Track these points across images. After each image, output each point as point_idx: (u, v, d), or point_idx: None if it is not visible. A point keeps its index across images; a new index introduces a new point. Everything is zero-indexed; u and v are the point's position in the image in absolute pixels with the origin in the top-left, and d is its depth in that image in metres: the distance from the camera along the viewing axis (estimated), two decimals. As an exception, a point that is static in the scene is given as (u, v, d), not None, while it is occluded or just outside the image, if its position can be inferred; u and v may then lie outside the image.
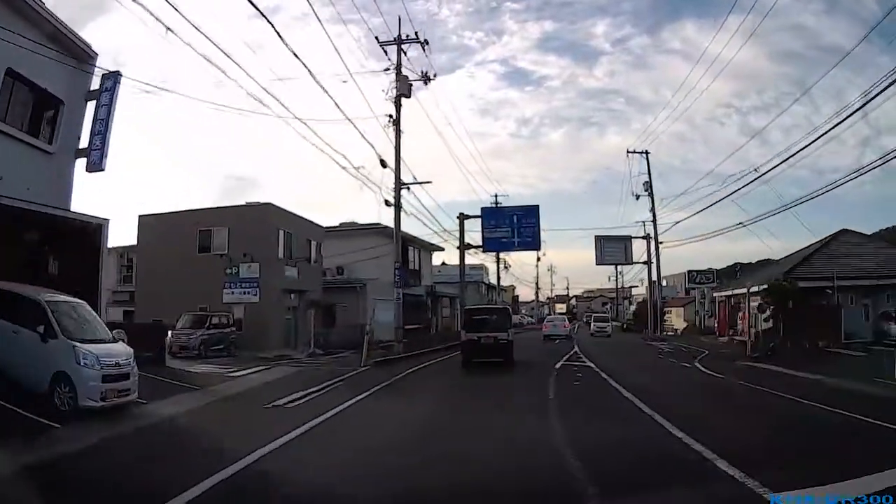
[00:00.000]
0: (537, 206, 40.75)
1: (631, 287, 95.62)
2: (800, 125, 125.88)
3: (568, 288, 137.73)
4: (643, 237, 45.94)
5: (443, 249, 53.35)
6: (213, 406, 12.80)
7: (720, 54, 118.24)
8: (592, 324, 46.36)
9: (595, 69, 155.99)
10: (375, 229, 41.22)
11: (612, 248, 45.66)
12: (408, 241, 44.25)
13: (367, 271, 40.93)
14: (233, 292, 33.63)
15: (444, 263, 67.67)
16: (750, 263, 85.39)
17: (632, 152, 46.55)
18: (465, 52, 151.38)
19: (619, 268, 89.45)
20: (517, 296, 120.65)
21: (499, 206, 44.04)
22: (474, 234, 41.45)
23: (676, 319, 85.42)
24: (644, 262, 45.98)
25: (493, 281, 66.88)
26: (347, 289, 39.82)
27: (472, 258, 49.84)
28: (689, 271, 56.31)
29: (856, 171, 32.42)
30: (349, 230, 43.60)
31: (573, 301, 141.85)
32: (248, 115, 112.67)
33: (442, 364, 24.33)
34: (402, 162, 27.55)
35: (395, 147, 27.68)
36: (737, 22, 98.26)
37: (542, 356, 27.11)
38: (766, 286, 28.61)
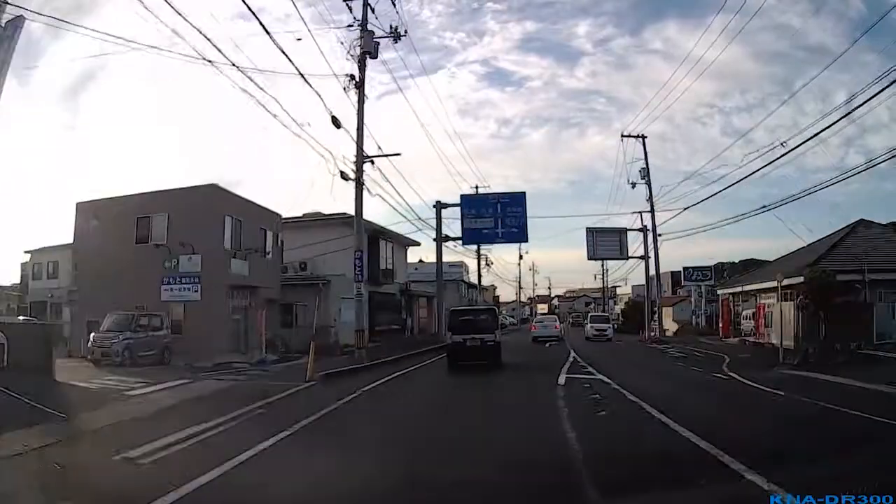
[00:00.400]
0: (523, 193, 36.55)
1: (615, 287, 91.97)
2: (784, 125, 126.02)
3: (550, 288, 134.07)
4: (639, 229, 41.68)
5: (419, 244, 48.80)
6: (31, 458, 7.91)
7: (702, 55, 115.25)
8: (589, 325, 41.02)
9: (576, 70, 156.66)
10: (342, 219, 36.54)
11: (605, 242, 41.17)
12: (379, 234, 39.56)
13: (333, 266, 36.13)
14: (171, 289, 28.86)
15: (421, 261, 63.06)
16: (733, 263, 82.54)
17: (626, 136, 42.22)
18: (447, 52, 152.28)
19: (605, 266, 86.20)
20: (498, 296, 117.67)
21: (480, 193, 39.17)
22: (455, 225, 36.85)
23: (666, 319, 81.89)
24: (640, 257, 41.57)
25: (474, 280, 62.47)
26: (310, 286, 35.00)
27: (450, 254, 45.48)
28: (685, 268, 52.20)
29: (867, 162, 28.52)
30: (313, 221, 38.77)
31: (555, 301, 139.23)
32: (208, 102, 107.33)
33: (413, 375, 19.67)
34: (365, 131, 22.65)
35: (358, 112, 23.01)
36: (719, 21, 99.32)
37: (536, 364, 22.91)
38: (801, 279, 24.12)
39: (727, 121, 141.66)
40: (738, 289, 37.45)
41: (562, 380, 16.32)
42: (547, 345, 33.90)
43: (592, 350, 29.08)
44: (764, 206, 30.02)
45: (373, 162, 23.07)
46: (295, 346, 29.29)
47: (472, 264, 58.46)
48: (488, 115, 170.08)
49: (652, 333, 39.63)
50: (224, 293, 29.01)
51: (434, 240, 37.23)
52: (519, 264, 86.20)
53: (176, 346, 25.77)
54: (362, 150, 22.36)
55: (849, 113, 19.04)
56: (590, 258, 41.56)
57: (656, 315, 42.06)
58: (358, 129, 22.58)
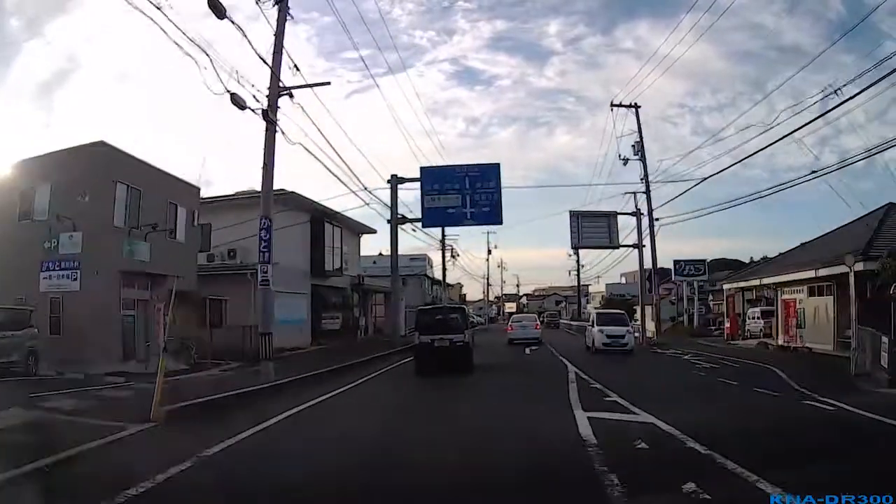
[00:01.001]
0: (497, 166, 30.42)
1: (587, 285, 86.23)
2: (756, 125, 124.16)
3: (518, 286, 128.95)
4: (632, 213, 35.74)
5: (374, 231, 42.26)
6: None
7: (673, 53, 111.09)
8: (595, 329, 26.59)
9: (546, 69, 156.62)
10: (280, 197, 30.07)
11: (591, 228, 35.11)
12: (324, 216, 33.11)
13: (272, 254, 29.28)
14: (50, 276, 22.44)
15: (381, 254, 56.64)
16: (716, 261, 78.10)
17: (617, 105, 36.28)
18: (416, 51, 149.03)
19: (580, 261, 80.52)
20: (465, 294, 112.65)
21: (445, 165, 32.92)
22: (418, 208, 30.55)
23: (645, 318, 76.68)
24: (633, 246, 35.64)
25: (440, 275, 56.46)
26: (237, 276, 28.36)
27: (410, 241, 39.38)
28: (676, 261, 46.41)
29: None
30: (246, 199, 31.95)
31: (524, 300, 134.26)
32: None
33: (338, 404, 13.05)
34: (284, 54, 16.16)
35: (276, 33, 16.40)
36: (691, 21, 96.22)
37: (526, 382, 16.68)
38: (857, 266, 18.44)
39: (698, 120, 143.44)
40: (755, 282, 31.82)
41: (582, 424, 9.29)
42: (527, 350, 27.77)
43: (592, 361, 22.67)
44: (814, 172, 24.33)
45: (291, 95, 16.44)
46: (219, 350, 23.35)
47: (436, 258, 52.32)
48: (457, 113, 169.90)
49: (649, 337, 33.66)
50: (114, 282, 22.53)
51: (388, 221, 30.86)
52: (487, 259, 79.75)
53: (50, 350, 19.75)
54: (278, 78, 15.81)
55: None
56: (574, 247, 35.59)
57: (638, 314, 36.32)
58: (274, 51, 16.06)
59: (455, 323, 19.91)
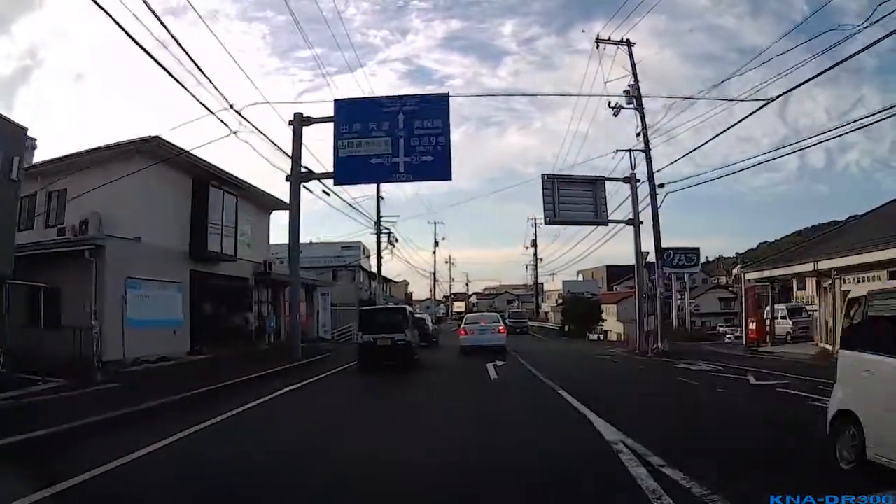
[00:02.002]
0: (445, 98, 20.72)
1: (541, 283, 77.46)
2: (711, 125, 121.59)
3: (468, 284, 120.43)
4: (625, 179, 26.59)
5: (285, 207, 32.14)
6: None
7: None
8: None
9: (499, 69, 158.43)
10: (143, 147, 21.05)
11: (572, 197, 25.72)
12: (213, 179, 23.60)
13: (136, 225, 20.70)
14: None
15: (312, 242, 46.74)
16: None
17: (604, 42, 27.16)
18: (369, 50, 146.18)
19: (538, 254, 71.86)
20: (411, 292, 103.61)
21: (371, 97, 23.10)
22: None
23: (609, 318, 68.38)
24: (628, 221, 26.42)
25: (384, 269, 47.01)
26: (77, 256, 18.40)
27: (345, 226, 29.79)
28: (665, 249, 37.41)
29: None
30: (103, 154, 22.30)
31: (473, 298, 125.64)
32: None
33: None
34: None
35: None
36: (648, 22, 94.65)
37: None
38: None
39: (652, 119, 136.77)
40: (805, 266, 23.09)
41: None
42: (493, 367, 17.30)
43: (601, 382, 13.47)
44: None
45: None
46: (48, 361, 14.80)
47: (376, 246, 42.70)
48: None
49: (656, 346, 24.19)
50: None
51: (287, 178, 21.14)
52: (434, 252, 70.23)
53: None
54: None
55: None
56: (548, 222, 26.09)
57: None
58: None
59: (397, 322, 20.04)
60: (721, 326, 63.63)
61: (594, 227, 27.87)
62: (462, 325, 25.71)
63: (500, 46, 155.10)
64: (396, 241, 39.38)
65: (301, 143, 21.44)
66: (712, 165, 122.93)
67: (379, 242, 39.14)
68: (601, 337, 64.47)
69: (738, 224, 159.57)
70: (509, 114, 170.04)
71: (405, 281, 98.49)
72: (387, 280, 65.71)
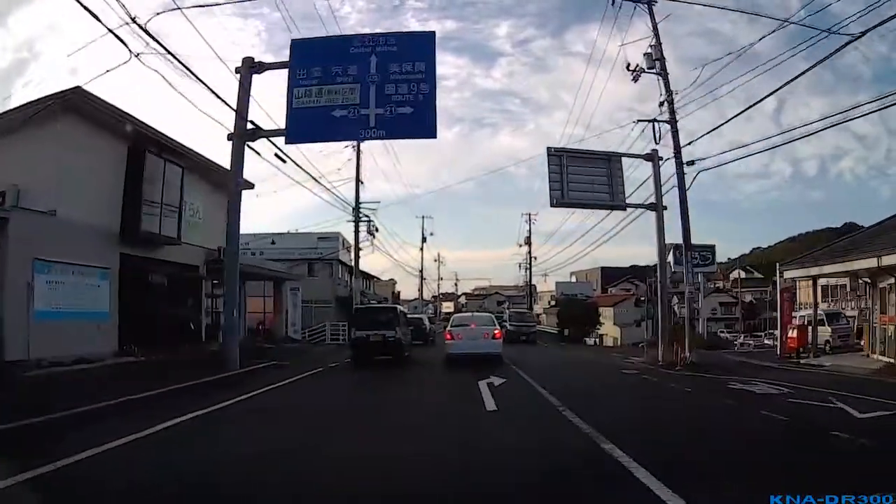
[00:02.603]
0: (431, 37, 15.95)
1: (533, 285, 72.97)
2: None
3: (457, 283, 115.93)
4: (645, 156, 22.04)
5: (252, 186, 27.57)
6: None
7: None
8: None
9: (493, 70, 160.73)
10: (64, 103, 16.73)
11: (583, 175, 21.00)
12: (153, 146, 19.44)
13: (57, 197, 17.53)
14: None
15: (292, 233, 42.25)
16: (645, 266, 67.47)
17: (623, -3, 22.58)
18: None
19: (532, 253, 67.28)
20: (399, 291, 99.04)
21: (337, 35, 18.37)
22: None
23: (605, 322, 64.19)
24: (649, 206, 21.82)
25: (365, 263, 42.45)
26: None
27: (322, 213, 24.91)
28: (676, 246, 32.95)
29: None
30: (16, 114, 18.21)
31: (462, 299, 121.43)
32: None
33: None
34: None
35: None
36: (644, 25, 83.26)
37: None
38: None
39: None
40: (851, 265, 18.75)
41: None
42: (487, 387, 12.27)
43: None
44: None
45: None
46: None
47: (365, 248, 37.96)
48: None
49: (685, 355, 19.56)
50: None
51: (229, 137, 16.53)
52: (422, 248, 65.50)
53: None
54: None
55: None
56: (556, 204, 21.14)
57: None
58: None
59: (388, 320, 20.80)
60: (722, 332, 59.45)
61: (608, 211, 23.13)
62: (448, 328, 20.58)
63: (495, 47, 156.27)
64: (377, 230, 34.76)
65: (249, 95, 16.75)
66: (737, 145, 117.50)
67: (357, 231, 34.44)
68: (597, 341, 60.21)
69: (730, 230, 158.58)
70: (503, 115, 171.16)
71: (392, 280, 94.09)
72: (370, 277, 61.10)
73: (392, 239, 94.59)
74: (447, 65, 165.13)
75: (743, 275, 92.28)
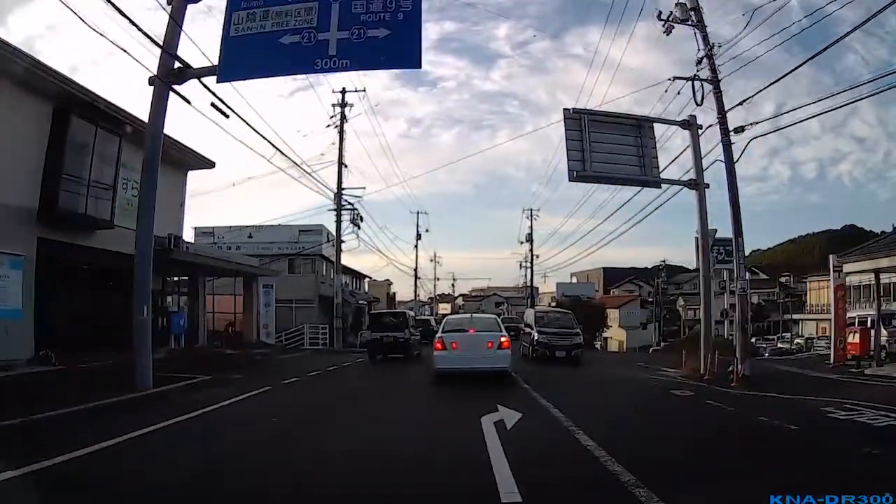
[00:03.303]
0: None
1: (531, 284, 68.64)
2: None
3: (454, 284, 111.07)
4: (682, 122, 17.82)
5: (212, 165, 23.53)
6: None
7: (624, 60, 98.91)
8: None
9: (492, 72, 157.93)
10: None
11: (608, 144, 16.85)
12: (86, 110, 15.85)
13: None
14: None
15: (271, 225, 38.03)
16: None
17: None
18: None
19: (533, 250, 62.89)
20: (394, 293, 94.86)
21: None
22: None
23: (611, 325, 60.25)
24: (687, 183, 17.50)
25: (356, 262, 38.29)
26: None
27: (306, 197, 20.76)
28: (699, 240, 28.77)
29: None
30: None
31: (459, 300, 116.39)
32: None
33: None
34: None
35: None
36: (644, 29, 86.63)
37: None
38: None
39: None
40: None
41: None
42: (494, 429, 7.38)
43: None
44: None
45: None
46: None
47: (350, 241, 33.60)
48: (399, 114, 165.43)
49: (739, 368, 14.99)
50: None
51: (150, 81, 12.22)
52: (416, 246, 61.09)
53: None
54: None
55: None
56: (576, 178, 16.59)
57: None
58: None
59: (399, 323, 23.66)
60: (730, 336, 55.52)
61: (638, 188, 18.83)
62: (439, 334, 14.90)
63: (494, 49, 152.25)
64: (361, 219, 30.37)
65: (181, 26, 12.51)
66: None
67: (339, 220, 30.02)
68: (602, 346, 56.19)
69: (727, 233, 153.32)
70: (501, 117, 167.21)
71: (387, 280, 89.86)
72: (360, 275, 56.74)
73: (385, 236, 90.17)
74: (447, 66, 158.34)
75: (748, 276, 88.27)
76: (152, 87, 12.52)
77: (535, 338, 21.98)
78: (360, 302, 49.58)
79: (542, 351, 21.35)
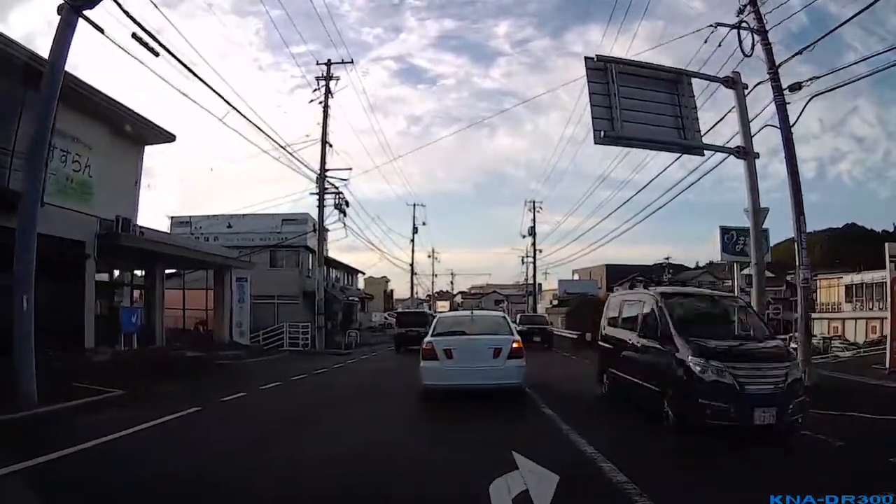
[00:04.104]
0: None
1: (534, 279, 65.54)
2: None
3: (452, 280, 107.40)
4: (724, 79, 14.52)
5: (172, 138, 20.29)
6: None
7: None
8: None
9: (492, 70, 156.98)
10: None
11: (640, 101, 13.82)
12: None
13: None
14: None
15: (252, 214, 34.71)
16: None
17: None
18: (362, 47, 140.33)
19: (535, 245, 59.59)
20: (392, 290, 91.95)
21: None
22: None
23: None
24: (735, 151, 14.23)
25: (347, 256, 35.04)
26: None
27: (285, 184, 17.90)
28: (724, 229, 25.13)
29: None
30: None
31: (458, 298, 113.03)
32: None
33: None
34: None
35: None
36: (646, 28, 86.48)
37: None
38: None
39: None
40: None
41: None
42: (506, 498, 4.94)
43: None
44: None
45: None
46: None
47: (337, 231, 30.14)
48: (398, 111, 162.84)
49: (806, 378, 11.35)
50: None
51: (59, 9, 9.16)
52: (412, 239, 57.68)
53: None
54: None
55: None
56: (603, 139, 12.94)
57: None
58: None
59: (422, 320, 26.45)
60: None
61: (678, 155, 15.45)
62: (428, 338, 11.02)
63: (494, 47, 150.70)
64: (347, 204, 26.92)
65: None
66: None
67: (321, 205, 26.51)
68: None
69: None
70: (500, 116, 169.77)
71: (385, 277, 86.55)
72: (353, 271, 53.41)
73: (379, 228, 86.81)
74: (446, 64, 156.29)
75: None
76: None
77: (693, 369, 7.78)
78: (352, 298, 46.24)
79: (718, 409, 7.49)
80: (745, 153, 14.36)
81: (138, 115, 19.39)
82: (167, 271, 25.85)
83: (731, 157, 14.62)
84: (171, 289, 26.45)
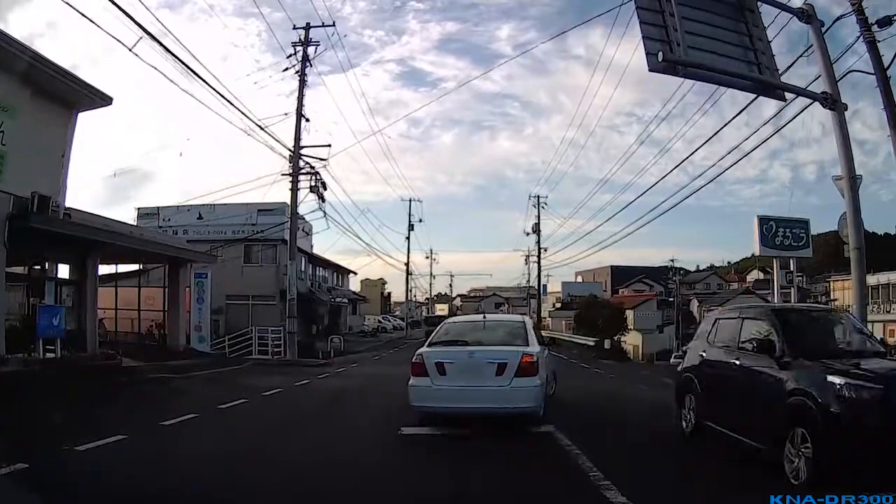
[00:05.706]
0: None
1: (539, 279, 61.96)
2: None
3: (451, 283, 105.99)
4: (799, 11, 11.17)
5: (109, 101, 16.66)
6: None
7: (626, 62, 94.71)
8: None
9: (493, 72, 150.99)
10: None
11: (703, 24, 10.22)
12: None
13: None
14: None
15: (224, 204, 31.23)
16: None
17: None
18: (364, 50, 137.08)
19: (537, 249, 56.06)
20: (389, 293, 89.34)
21: None
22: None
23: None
24: (819, 96, 10.63)
25: (340, 258, 31.60)
26: None
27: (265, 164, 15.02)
28: (762, 219, 21.71)
29: None
30: None
31: (457, 301, 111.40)
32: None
33: None
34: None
35: None
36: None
37: None
38: None
39: (645, 129, 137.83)
40: None
41: None
42: None
43: None
44: None
45: None
46: None
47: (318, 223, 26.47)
48: (399, 114, 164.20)
49: None
50: None
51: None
52: (408, 238, 54.14)
53: None
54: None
55: None
56: (660, 63, 9.42)
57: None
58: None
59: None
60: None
61: (753, 96, 11.73)
62: (423, 348, 8.48)
63: (495, 50, 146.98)
64: (325, 187, 23.14)
65: None
66: None
67: (294, 189, 22.78)
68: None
69: (728, 235, 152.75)
70: (502, 118, 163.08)
71: (381, 279, 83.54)
72: (344, 270, 49.67)
73: (370, 222, 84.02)
74: (447, 67, 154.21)
75: (762, 275, 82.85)
76: None
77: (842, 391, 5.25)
78: (340, 300, 42.58)
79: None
80: (833, 101, 10.83)
81: (67, 72, 15.88)
82: (131, 268, 22.62)
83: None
84: (126, 286, 22.99)
